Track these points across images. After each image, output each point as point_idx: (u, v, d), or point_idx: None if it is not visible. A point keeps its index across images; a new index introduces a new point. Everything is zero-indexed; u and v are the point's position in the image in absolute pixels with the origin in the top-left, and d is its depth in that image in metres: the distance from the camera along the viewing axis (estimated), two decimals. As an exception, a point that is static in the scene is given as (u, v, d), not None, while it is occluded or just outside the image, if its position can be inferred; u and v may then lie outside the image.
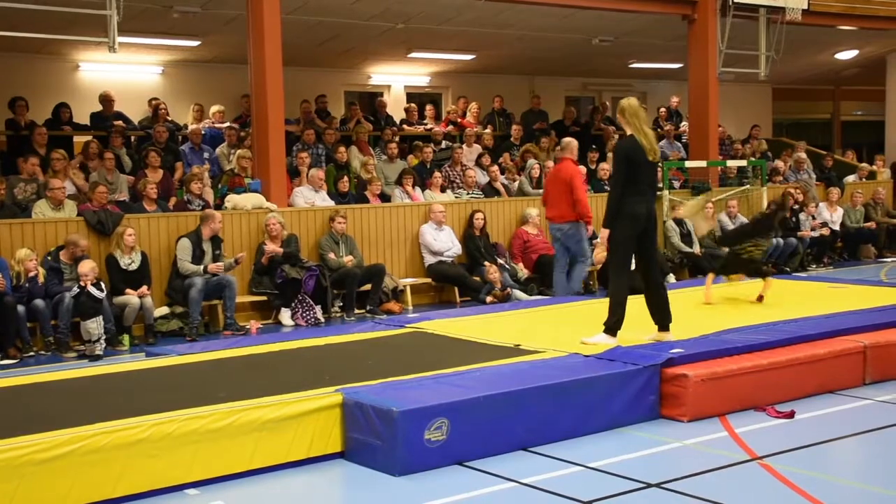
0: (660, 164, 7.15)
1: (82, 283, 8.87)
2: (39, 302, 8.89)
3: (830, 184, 16.02)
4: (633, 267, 7.08)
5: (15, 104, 12.33)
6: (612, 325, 6.93)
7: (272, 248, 10.42)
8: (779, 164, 16.37)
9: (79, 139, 12.94)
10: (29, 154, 10.80)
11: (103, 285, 9.08)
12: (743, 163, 15.47)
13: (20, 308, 8.77)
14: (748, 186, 14.90)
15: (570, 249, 10.63)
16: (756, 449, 5.50)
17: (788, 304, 8.67)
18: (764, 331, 7.21)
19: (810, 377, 6.69)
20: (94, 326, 8.82)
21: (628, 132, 6.95)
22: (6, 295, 8.69)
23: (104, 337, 8.88)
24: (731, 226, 13.73)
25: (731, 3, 14.06)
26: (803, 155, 16.94)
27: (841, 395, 6.74)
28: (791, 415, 6.20)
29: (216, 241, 10.09)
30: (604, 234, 6.98)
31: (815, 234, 14.56)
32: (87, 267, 9.02)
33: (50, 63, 13.99)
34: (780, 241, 13.86)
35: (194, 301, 9.58)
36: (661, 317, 7.07)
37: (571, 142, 10.91)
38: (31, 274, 8.94)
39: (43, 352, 8.94)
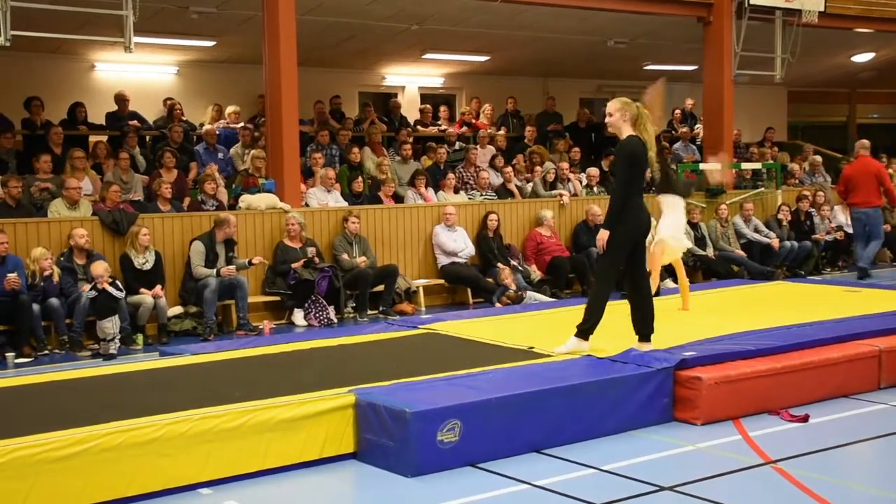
0: (650, 167, 6.94)
1: (100, 286, 8.90)
2: (54, 301, 8.93)
3: (846, 187, 15.90)
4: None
5: (31, 104, 12.40)
6: (587, 329, 6.69)
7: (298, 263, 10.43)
8: (793, 167, 16.29)
9: (94, 139, 13.00)
10: (41, 153, 10.84)
11: (120, 284, 9.12)
12: (757, 165, 15.41)
13: (35, 307, 8.81)
14: (762, 189, 14.84)
15: (869, 229, 13.21)
16: (770, 453, 5.47)
17: (803, 307, 8.63)
18: (778, 334, 7.18)
19: (825, 381, 6.66)
20: (110, 326, 8.85)
21: (625, 133, 6.65)
22: (21, 293, 8.73)
23: (119, 336, 8.92)
24: (745, 229, 13.70)
25: (746, 5, 14.00)
26: (818, 158, 16.85)
27: (856, 400, 6.70)
28: (805, 419, 6.17)
29: (230, 243, 10.11)
30: (603, 235, 6.63)
31: (830, 237, 14.49)
32: (101, 268, 9.05)
33: (66, 63, 14.05)
34: (795, 243, 13.81)
35: (209, 301, 9.60)
36: (644, 326, 6.79)
37: (866, 142, 13.63)
38: (47, 273, 8.98)
39: (57, 350, 8.97)
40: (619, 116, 6.69)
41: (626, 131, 6.69)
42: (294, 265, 10.38)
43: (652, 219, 7.18)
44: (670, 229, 8.72)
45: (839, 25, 15.50)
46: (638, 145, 6.64)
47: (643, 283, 6.87)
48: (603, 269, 6.89)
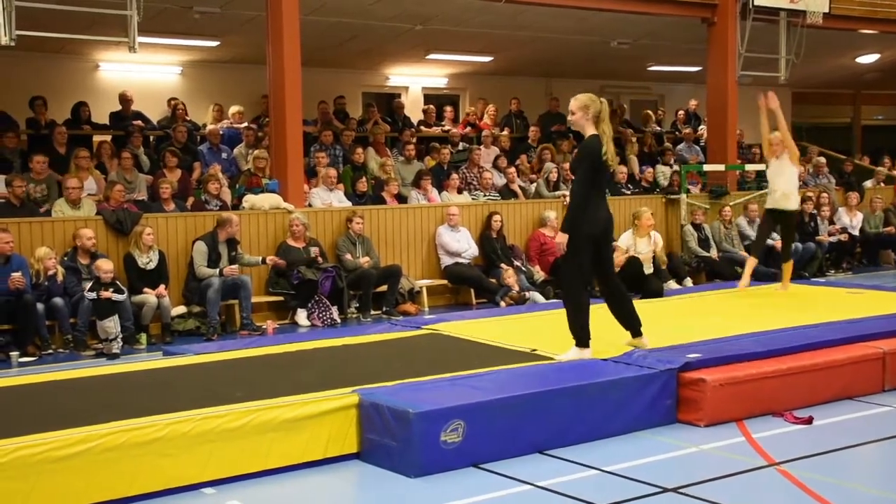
0: (611, 169, 6.73)
1: (103, 281, 8.91)
2: (58, 300, 8.94)
3: (850, 189, 15.90)
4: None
5: (35, 103, 12.42)
6: (580, 337, 6.54)
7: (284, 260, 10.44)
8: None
9: (98, 138, 13.01)
10: (39, 153, 10.85)
11: (121, 286, 9.12)
12: (762, 167, 15.37)
13: (39, 306, 8.82)
14: (766, 190, 14.78)
15: None
16: (774, 455, 5.46)
17: (807, 309, 8.61)
18: (782, 336, 7.16)
19: (829, 383, 6.64)
20: (112, 325, 8.86)
21: (589, 131, 6.48)
22: (26, 293, 8.74)
23: (121, 336, 8.92)
24: (749, 230, 13.68)
25: (751, 6, 13.98)
26: (822, 159, 16.83)
27: (860, 402, 6.68)
28: (809, 421, 6.16)
29: (232, 243, 10.11)
30: (562, 238, 6.49)
31: (834, 239, 14.47)
32: (108, 265, 9.07)
33: (70, 62, 14.07)
34: (799, 245, 13.78)
35: (212, 301, 9.61)
36: (630, 322, 6.74)
37: None
38: (51, 272, 8.99)
39: (61, 350, 8.99)
40: (581, 115, 6.50)
41: (589, 130, 6.51)
42: (276, 260, 10.32)
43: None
44: None
45: (844, 27, 15.47)
46: (598, 145, 6.43)
47: (615, 281, 6.80)
48: (567, 274, 6.69)
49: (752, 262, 9.98)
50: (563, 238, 6.51)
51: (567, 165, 13.75)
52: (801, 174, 16.13)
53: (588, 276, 6.69)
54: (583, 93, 6.61)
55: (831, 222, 14.84)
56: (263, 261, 10.16)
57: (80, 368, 7.33)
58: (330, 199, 11.57)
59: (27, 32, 9.51)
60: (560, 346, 6.91)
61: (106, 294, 8.88)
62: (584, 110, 6.48)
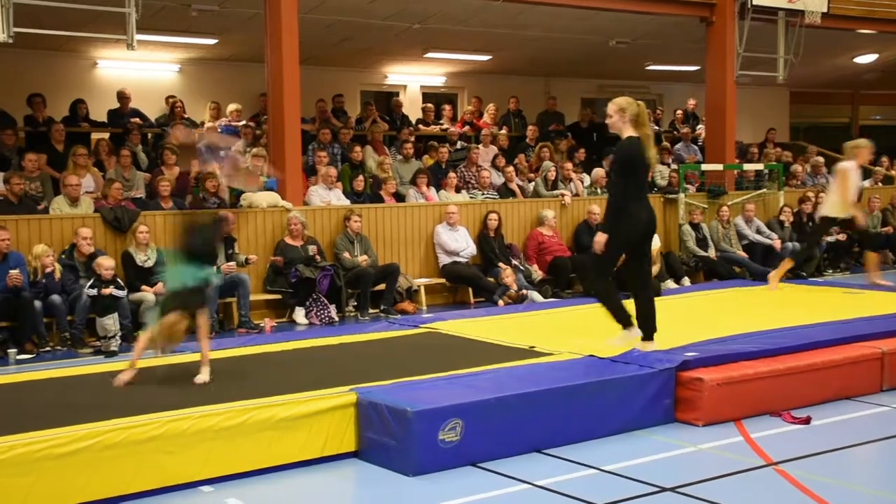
0: (651, 167, 6.87)
1: (104, 278, 8.91)
2: (56, 298, 8.93)
3: (848, 188, 15.88)
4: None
5: (33, 101, 12.41)
6: (622, 320, 6.85)
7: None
8: (796, 168, 16.28)
9: (96, 136, 13.00)
10: (36, 151, 10.84)
11: (121, 282, 9.12)
12: (760, 166, 15.40)
13: (37, 303, 8.81)
14: (765, 190, 14.83)
15: None
16: (772, 454, 5.47)
17: (805, 309, 8.62)
18: (781, 335, 7.17)
19: (827, 383, 6.65)
20: (111, 323, 8.86)
21: (626, 133, 6.61)
22: (23, 290, 8.73)
23: (120, 333, 8.92)
24: (747, 230, 13.69)
25: (749, 5, 13.99)
26: (820, 159, 16.84)
27: (858, 402, 6.69)
28: (807, 420, 6.17)
29: (229, 240, 10.10)
30: (600, 238, 6.64)
31: (832, 239, 14.47)
32: (109, 263, 9.07)
33: (68, 60, 14.05)
34: (797, 245, 13.79)
35: (209, 299, 9.59)
36: (646, 325, 6.84)
37: None
38: (48, 270, 8.99)
39: (59, 347, 8.97)
40: (618, 118, 6.64)
41: (626, 131, 6.64)
42: (253, 259, 10.33)
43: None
44: None
45: (842, 26, 15.48)
46: (636, 146, 6.57)
47: (648, 283, 6.92)
48: (600, 267, 6.88)
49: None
50: (601, 238, 6.65)
51: (566, 165, 13.77)
52: (800, 173, 16.19)
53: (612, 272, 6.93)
54: (620, 96, 6.78)
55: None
56: (246, 261, 10.08)
57: (78, 366, 7.32)
58: (329, 197, 11.56)
59: (25, 30, 9.50)
60: (559, 344, 6.93)
61: (107, 291, 8.87)
62: (620, 113, 6.62)
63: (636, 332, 6.81)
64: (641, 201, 6.67)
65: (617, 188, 6.70)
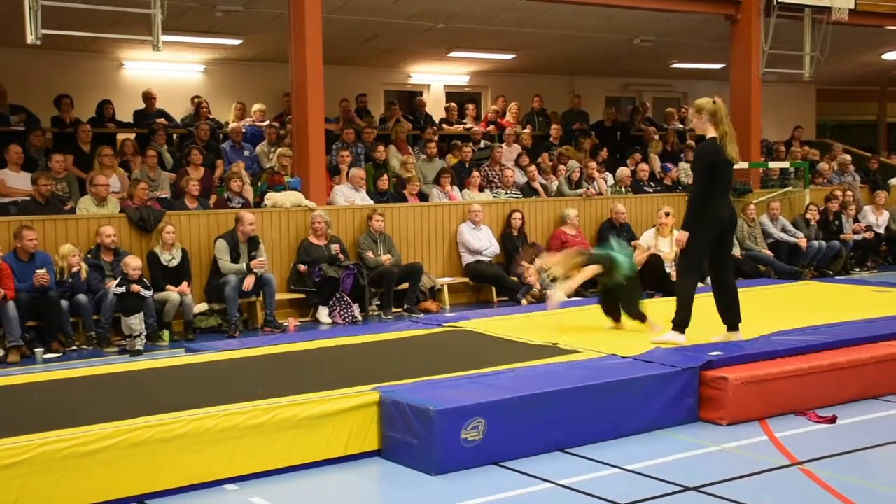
0: (734, 163, 7.00)
1: (131, 278, 8.98)
2: (82, 297, 9.01)
3: (876, 187, 15.75)
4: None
5: (61, 101, 12.53)
6: (681, 322, 6.86)
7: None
8: (822, 166, 16.15)
9: (122, 136, 13.11)
10: (63, 151, 10.94)
11: (147, 282, 9.19)
12: (785, 164, 15.28)
13: (63, 303, 8.90)
14: (790, 188, 14.71)
15: None
16: (796, 454, 5.43)
17: (831, 307, 8.55)
18: (806, 334, 7.11)
19: (853, 382, 6.59)
20: (137, 322, 8.93)
21: (709, 133, 6.76)
22: (50, 290, 8.82)
23: (145, 332, 8.99)
24: (772, 228, 13.59)
25: (775, 2, 13.87)
26: (847, 157, 16.69)
27: (884, 401, 6.63)
28: (833, 420, 6.11)
29: (253, 241, 10.14)
30: (682, 236, 6.82)
31: (858, 237, 14.35)
32: (135, 263, 9.15)
33: (94, 61, 14.18)
34: (823, 243, 13.69)
35: (230, 299, 9.66)
36: (731, 316, 6.99)
37: None
38: (74, 269, 9.06)
39: (85, 346, 9.07)
40: (697, 119, 6.87)
41: (709, 132, 6.81)
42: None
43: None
44: None
45: (870, 23, 15.33)
46: (714, 146, 6.72)
47: (728, 275, 7.02)
48: (687, 265, 6.97)
49: None
50: (683, 236, 6.82)
51: (590, 164, 13.72)
52: (827, 172, 16.04)
53: (704, 269, 7.07)
54: (703, 98, 6.91)
55: (856, 220, 14.71)
56: (249, 269, 9.91)
57: (104, 365, 7.39)
58: (354, 196, 11.60)
59: (53, 31, 9.59)
60: (582, 343, 6.91)
61: (136, 288, 8.94)
62: (698, 114, 6.83)
63: (683, 339, 6.82)
64: (723, 199, 6.84)
65: (697, 188, 6.85)
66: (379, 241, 11.08)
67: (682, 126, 17.18)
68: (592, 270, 7.69)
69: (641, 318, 7.56)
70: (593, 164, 13.71)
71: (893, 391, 6.76)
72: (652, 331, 7.20)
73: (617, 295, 7.72)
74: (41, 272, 8.76)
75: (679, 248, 6.91)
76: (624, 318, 7.71)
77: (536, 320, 8.38)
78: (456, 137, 14.74)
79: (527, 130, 15.48)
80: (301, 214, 10.85)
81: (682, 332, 6.86)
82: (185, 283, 9.64)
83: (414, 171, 12.64)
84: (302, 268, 10.40)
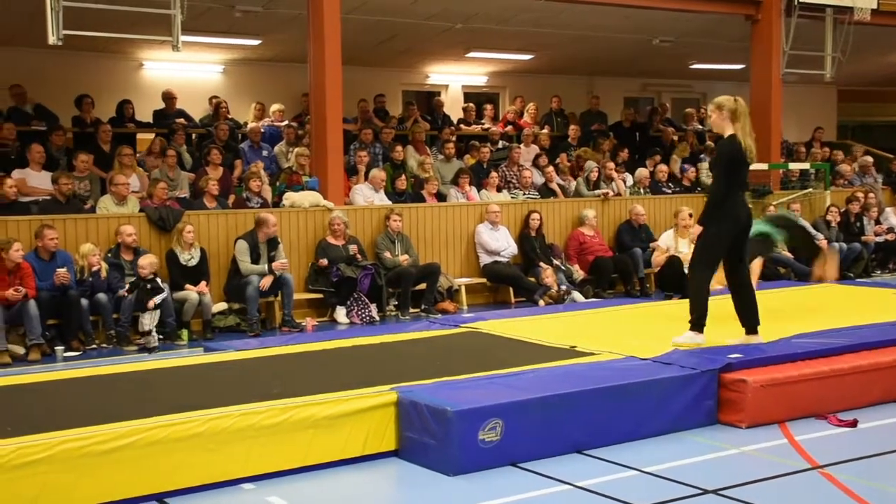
0: (752, 161, 6.99)
1: (142, 276, 9.05)
2: (102, 296, 9.07)
3: (898, 188, 15.66)
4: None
5: (82, 101, 12.61)
6: (698, 321, 6.79)
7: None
8: (843, 167, 16.03)
9: (142, 136, 13.17)
10: (83, 151, 11.00)
11: (159, 281, 9.23)
12: (805, 165, 15.18)
13: (83, 302, 8.95)
14: (811, 190, 14.62)
15: None
16: (817, 457, 5.39)
17: (852, 310, 8.47)
18: (826, 337, 7.05)
19: (874, 385, 6.53)
20: (148, 320, 9.00)
21: (728, 131, 6.73)
22: (70, 289, 8.88)
23: (156, 330, 9.07)
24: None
25: (796, 3, 13.78)
26: (869, 159, 16.56)
27: (906, 405, 6.57)
28: (854, 423, 6.06)
29: (273, 242, 10.17)
30: (696, 230, 6.83)
31: (880, 239, 14.24)
32: (146, 261, 9.21)
33: (114, 61, 14.26)
34: (844, 245, 13.58)
35: (251, 298, 9.69)
36: (749, 319, 6.93)
37: None
38: (95, 268, 9.12)
39: (105, 345, 9.11)
40: (717, 116, 6.81)
41: (728, 130, 6.76)
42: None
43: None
44: None
45: (892, 23, 15.19)
46: (736, 143, 6.68)
47: (744, 276, 6.96)
48: (702, 263, 6.86)
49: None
50: (697, 230, 6.85)
51: (608, 164, 13.69)
52: (848, 173, 15.92)
53: (716, 267, 6.98)
54: (722, 95, 6.92)
55: (878, 222, 14.60)
56: (271, 271, 9.95)
57: (123, 364, 7.43)
58: (373, 197, 11.61)
59: (74, 32, 9.65)
60: (600, 344, 6.88)
61: (143, 276, 9.05)
62: (718, 111, 6.79)
63: (702, 339, 6.76)
64: (740, 198, 6.83)
65: (718, 185, 6.80)
66: (397, 242, 11.09)
67: (701, 127, 17.09)
68: None
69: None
70: (611, 165, 13.67)
71: (915, 395, 6.70)
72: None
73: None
74: (62, 271, 8.82)
75: (692, 241, 6.91)
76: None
77: (554, 321, 8.37)
78: (474, 138, 14.72)
79: (545, 131, 15.45)
80: (319, 214, 10.87)
81: (701, 330, 6.79)
82: (203, 283, 9.67)
83: (432, 172, 12.63)
84: (323, 262, 10.40)
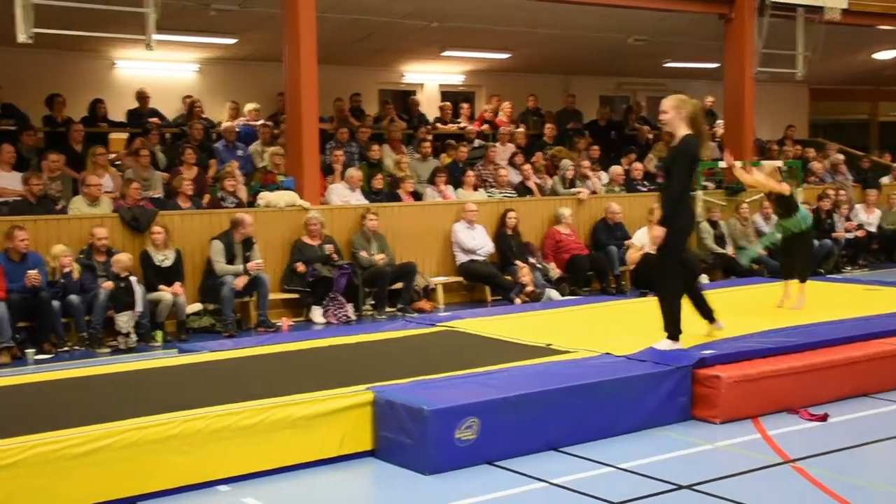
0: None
1: (119, 275, 8.99)
2: (74, 297, 8.98)
3: (867, 185, 15.80)
4: None
5: (53, 101, 12.49)
6: (674, 333, 6.57)
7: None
8: (815, 165, 16.18)
9: (114, 136, 13.07)
10: (55, 151, 10.89)
11: (133, 281, 9.18)
12: (778, 163, 15.28)
13: (55, 303, 8.87)
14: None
15: None
16: (789, 452, 5.44)
17: (823, 306, 8.55)
18: (798, 333, 7.12)
19: (845, 380, 6.61)
20: (125, 320, 8.94)
21: (682, 131, 6.54)
22: (42, 290, 8.80)
23: (133, 332, 9.01)
24: (765, 227, 13.61)
25: (768, 2, 13.89)
26: (840, 156, 16.72)
27: (876, 399, 6.65)
28: (824, 418, 6.13)
29: (248, 242, 10.13)
30: (659, 232, 6.51)
31: (850, 235, 14.38)
32: (120, 260, 9.15)
33: (87, 60, 14.12)
34: (815, 242, 13.70)
35: (226, 299, 9.65)
36: (706, 310, 7.04)
37: None
38: (66, 270, 9.04)
39: (77, 347, 9.03)
40: (674, 114, 6.57)
41: (682, 130, 6.56)
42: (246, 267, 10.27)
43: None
44: None
45: (862, 23, 15.34)
46: (696, 143, 6.58)
47: (689, 274, 6.98)
48: (670, 266, 6.66)
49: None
50: (660, 232, 6.54)
51: (584, 163, 13.73)
52: (819, 170, 16.06)
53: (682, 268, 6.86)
54: (674, 94, 6.81)
55: (848, 219, 14.75)
56: (246, 271, 9.92)
57: (96, 366, 7.38)
58: (349, 196, 11.58)
59: (44, 30, 9.56)
60: (576, 342, 6.91)
61: (118, 273, 9.02)
62: (677, 110, 6.56)
63: (680, 346, 6.60)
64: (690, 196, 6.85)
65: (679, 184, 6.58)
66: (373, 241, 11.08)
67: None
68: (782, 187, 8.73)
69: (805, 278, 8.52)
70: (587, 164, 13.72)
71: (885, 389, 6.78)
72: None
73: (795, 248, 8.65)
74: (33, 273, 8.74)
75: (657, 244, 6.60)
76: (791, 287, 8.57)
77: (530, 320, 8.40)
78: (450, 137, 14.73)
79: (521, 130, 15.46)
80: (295, 214, 10.83)
81: (678, 339, 6.60)
82: (177, 284, 9.62)
83: (408, 171, 12.62)
84: (301, 267, 10.37)
